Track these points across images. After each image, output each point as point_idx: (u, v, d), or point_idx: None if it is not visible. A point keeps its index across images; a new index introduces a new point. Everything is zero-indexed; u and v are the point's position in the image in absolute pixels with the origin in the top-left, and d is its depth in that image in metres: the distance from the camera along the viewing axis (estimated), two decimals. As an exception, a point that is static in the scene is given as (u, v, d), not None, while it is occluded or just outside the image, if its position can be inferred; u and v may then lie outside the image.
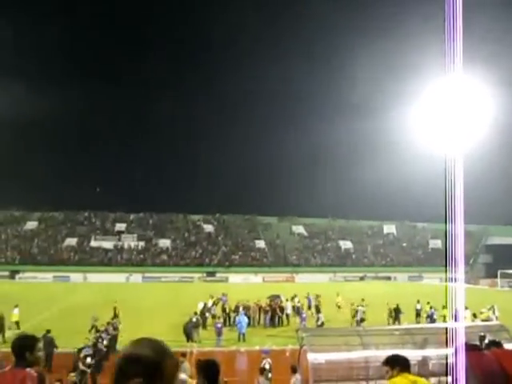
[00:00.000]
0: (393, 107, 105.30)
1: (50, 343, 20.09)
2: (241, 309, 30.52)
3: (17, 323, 27.81)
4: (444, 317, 29.15)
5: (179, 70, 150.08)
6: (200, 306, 31.39)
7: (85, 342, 18.54)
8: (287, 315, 32.94)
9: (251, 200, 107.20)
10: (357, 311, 30.79)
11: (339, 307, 36.51)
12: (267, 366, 15.60)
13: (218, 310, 32.33)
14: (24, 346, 4.58)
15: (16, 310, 29.07)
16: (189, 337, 24.68)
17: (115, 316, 28.03)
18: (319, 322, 28.53)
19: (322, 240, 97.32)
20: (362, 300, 33.21)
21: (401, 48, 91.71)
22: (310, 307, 35.66)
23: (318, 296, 36.16)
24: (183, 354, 15.90)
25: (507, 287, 68.07)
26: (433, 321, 29.66)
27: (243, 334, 26.83)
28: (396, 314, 31.61)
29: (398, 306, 32.06)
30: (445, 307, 30.58)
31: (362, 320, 29.53)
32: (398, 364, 5.22)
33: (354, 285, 69.22)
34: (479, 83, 54.66)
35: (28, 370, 4.49)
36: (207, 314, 30.60)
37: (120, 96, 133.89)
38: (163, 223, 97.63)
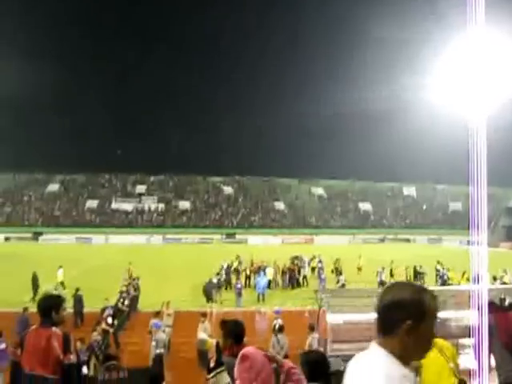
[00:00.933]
0: (415, 67, 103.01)
1: (79, 301, 21.06)
2: (261, 269, 30.67)
3: (62, 283, 28.30)
4: (452, 279, 29.14)
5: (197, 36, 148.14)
6: (224, 265, 31.68)
7: (105, 302, 18.86)
8: (305, 277, 33.08)
9: (271, 162, 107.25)
10: (378, 273, 30.85)
11: (359, 269, 36.55)
12: (277, 327, 15.57)
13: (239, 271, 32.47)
14: (50, 306, 4.68)
15: (60, 271, 29.70)
16: (209, 297, 24.98)
17: (130, 277, 28.32)
18: (339, 284, 28.66)
19: (342, 202, 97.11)
20: (391, 262, 33.44)
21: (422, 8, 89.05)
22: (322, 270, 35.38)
23: (337, 260, 36.18)
24: (203, 314, 16.11)
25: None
26: (443, 282, 29.68)
27: (263, 295, 27.10)
28: (416, 275, 31.78)
29: (416, 267, 32.13)
30: (449, 270, 30.65)
31: (383, 283, 29.57)
32: None
33: (373, 247, 69.24)
34: (504, 39, 52.95)
35: (53, 329, 4.60)
36: (228, 276, 30.73)
37: (139, 58, 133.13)
38: (183, 185, 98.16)
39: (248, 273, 32.01)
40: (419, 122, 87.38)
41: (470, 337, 4.58)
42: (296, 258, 36.82)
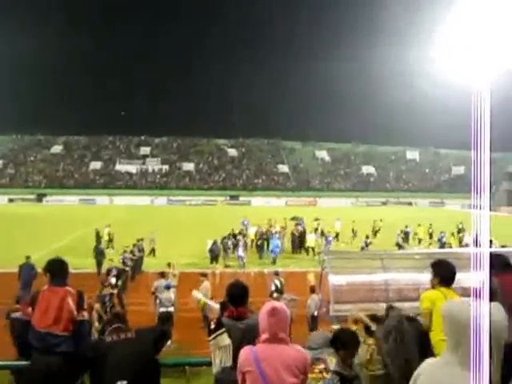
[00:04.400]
0: (417, 32, 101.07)
1: (101, 254, 22.89)
2: (273, 232, 30.36)
3: (110, 240, 29.43)
4: (450, 244, 29.30)
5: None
6: (235, 230, 31.42)
7: (110, 263, 19.12)
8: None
9: (275, 124, 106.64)
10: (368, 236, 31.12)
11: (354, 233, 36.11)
12: (273, 288, 15.89)
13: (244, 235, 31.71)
14: (64, 266, 4.83)
15: (106, 230, 30.52)
16: (213, 258, 25.22)
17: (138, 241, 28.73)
18: (363, 244, 28.59)
19: (345, 165, 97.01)
20: (380, 221, 33.72)
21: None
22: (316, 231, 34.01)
23: (353, 222, 36.14)
24: (203, 274, 16.26)
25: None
26: (442, 245, 29.90)
27: (274, 259, 27.21)
28: (406, 236, 32.36)
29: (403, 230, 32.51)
30: (452, 234, 30.84)
31: (368, 244, 29.36)
32: (438, 274, 5.18)
33: (376, 209, 69.44)
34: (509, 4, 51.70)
35: (68, 287, 4.72)
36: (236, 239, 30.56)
37: (146, 22, 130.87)
38: (187, 147, 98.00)
39: (255, 237, 31.20)
40: (423, 86, 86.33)
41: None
42: (295, 218, 36.30)
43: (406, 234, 33.32)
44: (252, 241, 31.15)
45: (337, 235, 34.25)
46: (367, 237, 29.71)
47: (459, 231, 33.12)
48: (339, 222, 36.51)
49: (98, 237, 28.67)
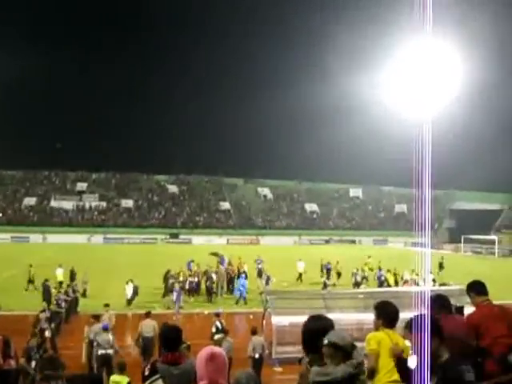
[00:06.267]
0: (362, 70, 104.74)
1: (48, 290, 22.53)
2: (241, 272, 30.08)
3: (60, 283, 27.38)
4: (387, 280, 29.81)
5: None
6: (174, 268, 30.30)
7: (43, 305, 18.05)
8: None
9: (216, 161, 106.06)
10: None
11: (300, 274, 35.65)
12: (213, 330, 15.50)
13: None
14: None
15: (59, 271, 29.41)
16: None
17: (72, 278, 27.45)
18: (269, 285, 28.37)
19: (288, 202, 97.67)
20: (337, 263, 34.18)
21: (372, 13, 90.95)
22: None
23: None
24: (147, 314, 16.18)
25: (470, 252, 69.16)
26: (381, 282, 30.20)
27: (244, 298, 26.76)
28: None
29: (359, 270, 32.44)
30: (390, 271, 31.19)
31: (326, 284, 29.58)
32: (382, 315, 5.14)
33: (319, 248, 69.73)
34: (451, 46, 54.42)
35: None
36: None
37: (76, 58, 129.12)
38: (126, 183, 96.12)
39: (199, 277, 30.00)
40: (367, 123, 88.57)
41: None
42: (215, 254, 35.18)
43: (328, 270, 34.09)
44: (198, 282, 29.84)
45: (300, 276, 34.20)
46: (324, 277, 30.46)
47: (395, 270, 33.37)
48: (302, 262, 35.76)
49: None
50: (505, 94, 76.74)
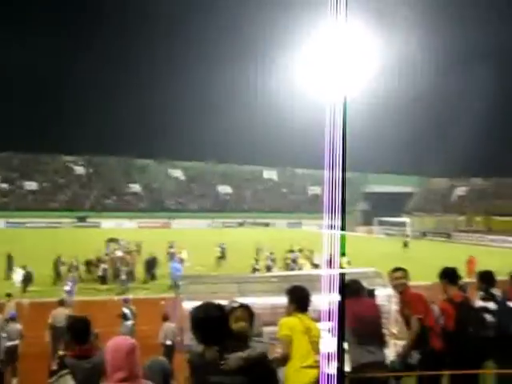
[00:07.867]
0: (275, 53, 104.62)
1: None
2: (176, 256, 29.60)
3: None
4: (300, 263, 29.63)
5: None
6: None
7: None
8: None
9: (126, 142, 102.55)
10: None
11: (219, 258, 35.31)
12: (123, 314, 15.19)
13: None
14: None
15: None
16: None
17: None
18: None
19: (201, 184, 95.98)
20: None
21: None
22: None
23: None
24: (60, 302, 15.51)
25: (383, 235, 70.81)
26: (293, 266, 29.84)
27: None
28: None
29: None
30: (302, 251, 30.96)
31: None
32: (294, 300, 5.18)
33: (232, 230, 69.06)
34: (365, 30, 54.79)
35: None
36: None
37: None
38: (29, 164, 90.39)
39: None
40: (281, 106, 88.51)
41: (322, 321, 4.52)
42: (113, 240, 34.76)
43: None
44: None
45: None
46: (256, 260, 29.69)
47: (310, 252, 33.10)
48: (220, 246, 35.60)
49: None
50: (423, 77, 78.77)
